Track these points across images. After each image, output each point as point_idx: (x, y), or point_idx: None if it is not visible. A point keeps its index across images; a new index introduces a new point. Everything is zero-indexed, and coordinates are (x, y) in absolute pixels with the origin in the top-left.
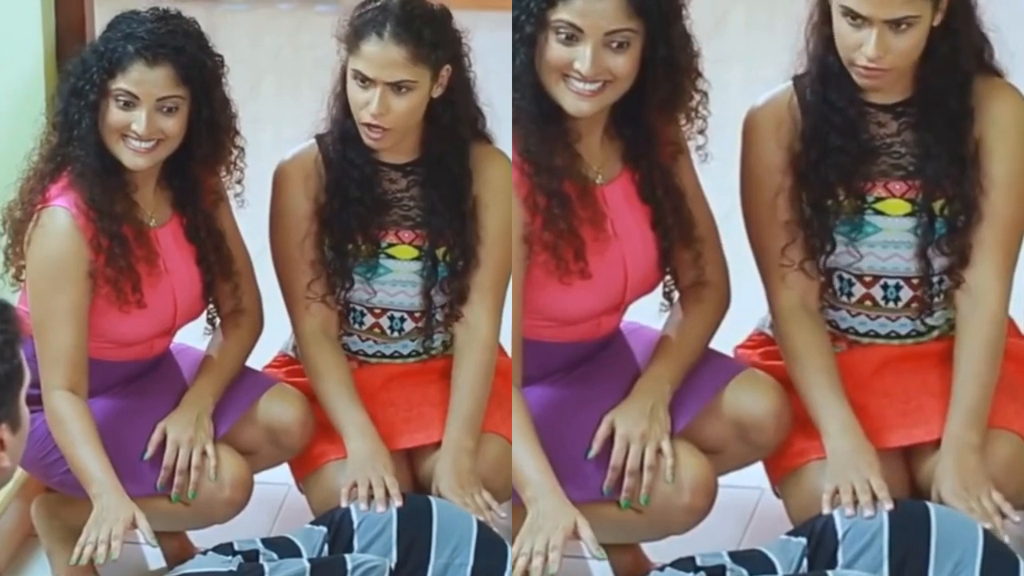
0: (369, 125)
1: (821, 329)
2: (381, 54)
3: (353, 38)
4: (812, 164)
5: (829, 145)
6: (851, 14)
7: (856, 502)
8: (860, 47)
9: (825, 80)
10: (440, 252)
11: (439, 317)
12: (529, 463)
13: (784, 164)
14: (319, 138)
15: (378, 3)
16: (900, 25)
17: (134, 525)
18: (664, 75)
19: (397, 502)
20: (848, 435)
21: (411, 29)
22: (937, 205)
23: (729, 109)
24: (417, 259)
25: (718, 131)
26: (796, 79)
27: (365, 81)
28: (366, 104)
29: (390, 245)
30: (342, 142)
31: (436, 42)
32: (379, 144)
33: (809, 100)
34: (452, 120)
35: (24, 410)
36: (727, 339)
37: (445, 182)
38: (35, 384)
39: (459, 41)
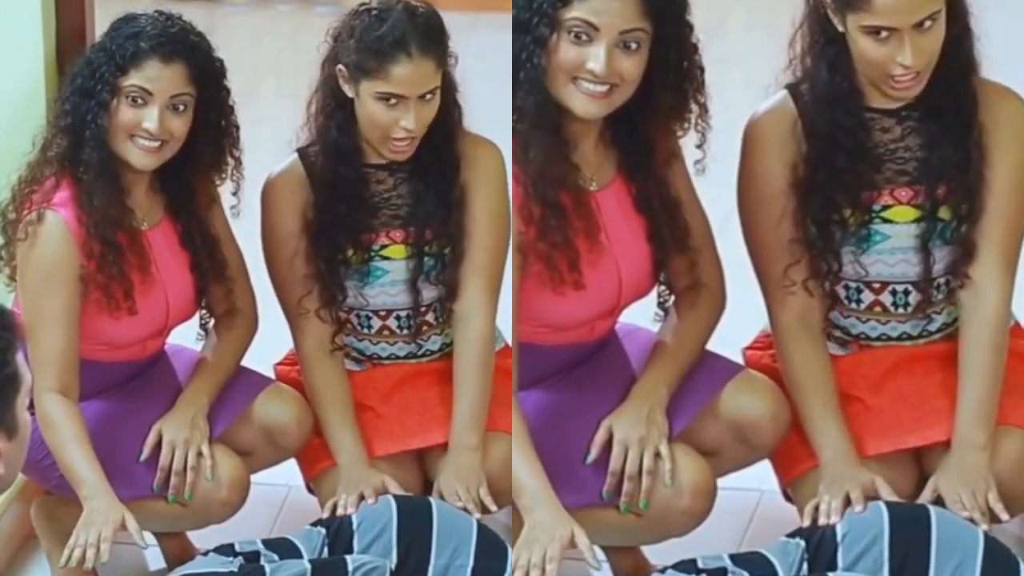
0: (399, 139)
1: (821, 348)
2: (414, 72)
3: (375, 63)
4: (819, 185)
5: (836, 166)
6: (876, 31)
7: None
8: (894, 59)
9: (833, 100)
10: (429, 246)
11: (434, 313)
12: (524, 471)
13: (788, 183)
14: (301, 153)
15: (385, 21)
16: (924, 25)
17: (123, 527)
18: (673, 79)
19: (368, 501)
20: (840, 458)
21: (432, 39)
22: (943, 209)
23: (729, 111)
24: (409, 256)
25: (718, 133)
26: (792, 88)
27: (394, 100)
28: (396, 121)
29: (383, 247)
30: (333, 159)
31: (447, 43)
32: (405, 154)
33: (815, 120)
34: (439, 116)
35: (23, 417)
36: (733, 340)
37: (432, 173)
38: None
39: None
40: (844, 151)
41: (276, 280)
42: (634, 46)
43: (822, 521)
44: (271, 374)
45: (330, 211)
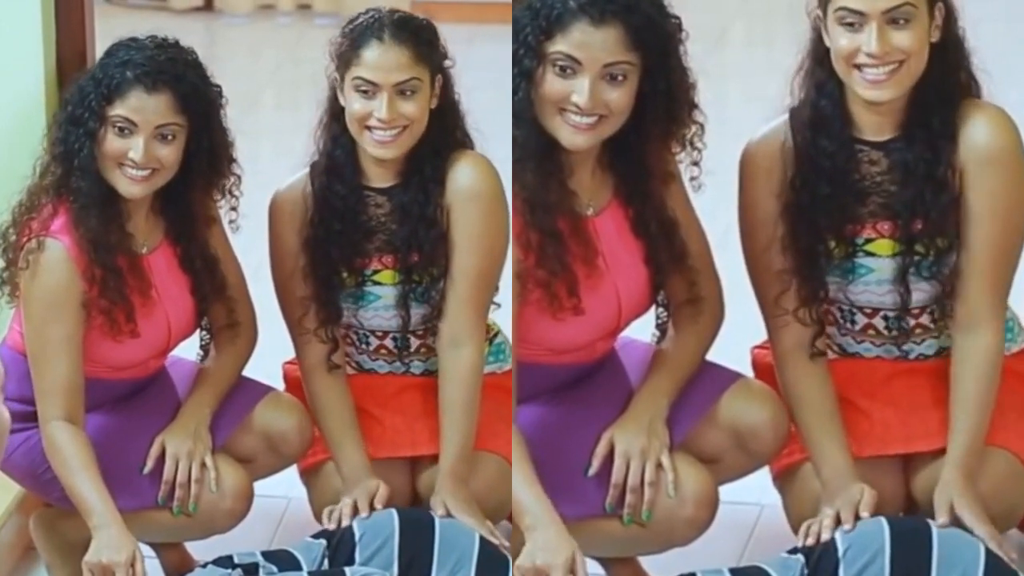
0: (379, 129)
1: (820, 369)
2: (384, 56)
3: (351, 48)
4: (803, 212)
5: (818, 193)
6: (848, 14)
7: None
8: (860, 48)
9: (816, 125)
10: (415, 272)
11: (421, 338)
12: (526, 493)
13: (776, 213)
14: (312, 167)
15: (368, 14)
16: (898, 21)
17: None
18: (663, 109)
19: (363, 513)
20: (838, 479)
21: (408, 29)
22: (920, 244)
23: (728, 125)
24: (397, 283)
25: (716, 148)
26: (791, 112)
27: (369, 88)
28: (371, 112)
29: (375, 272)
30: (327, 173)
31: (432, 43)
32: (391, 151)
33: (800, 146)
34: (438, 138)
35: None
36: (730, 350)
37: (418, 200)
38: (26, 400)
39: (445, 54)
40: (827, 178)
41: (279, 295)
42: (620, 77)
43: (811, 541)
44: (280, 373)
45: (323, 229)
